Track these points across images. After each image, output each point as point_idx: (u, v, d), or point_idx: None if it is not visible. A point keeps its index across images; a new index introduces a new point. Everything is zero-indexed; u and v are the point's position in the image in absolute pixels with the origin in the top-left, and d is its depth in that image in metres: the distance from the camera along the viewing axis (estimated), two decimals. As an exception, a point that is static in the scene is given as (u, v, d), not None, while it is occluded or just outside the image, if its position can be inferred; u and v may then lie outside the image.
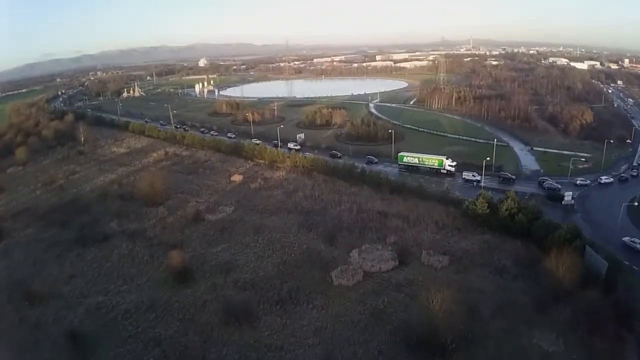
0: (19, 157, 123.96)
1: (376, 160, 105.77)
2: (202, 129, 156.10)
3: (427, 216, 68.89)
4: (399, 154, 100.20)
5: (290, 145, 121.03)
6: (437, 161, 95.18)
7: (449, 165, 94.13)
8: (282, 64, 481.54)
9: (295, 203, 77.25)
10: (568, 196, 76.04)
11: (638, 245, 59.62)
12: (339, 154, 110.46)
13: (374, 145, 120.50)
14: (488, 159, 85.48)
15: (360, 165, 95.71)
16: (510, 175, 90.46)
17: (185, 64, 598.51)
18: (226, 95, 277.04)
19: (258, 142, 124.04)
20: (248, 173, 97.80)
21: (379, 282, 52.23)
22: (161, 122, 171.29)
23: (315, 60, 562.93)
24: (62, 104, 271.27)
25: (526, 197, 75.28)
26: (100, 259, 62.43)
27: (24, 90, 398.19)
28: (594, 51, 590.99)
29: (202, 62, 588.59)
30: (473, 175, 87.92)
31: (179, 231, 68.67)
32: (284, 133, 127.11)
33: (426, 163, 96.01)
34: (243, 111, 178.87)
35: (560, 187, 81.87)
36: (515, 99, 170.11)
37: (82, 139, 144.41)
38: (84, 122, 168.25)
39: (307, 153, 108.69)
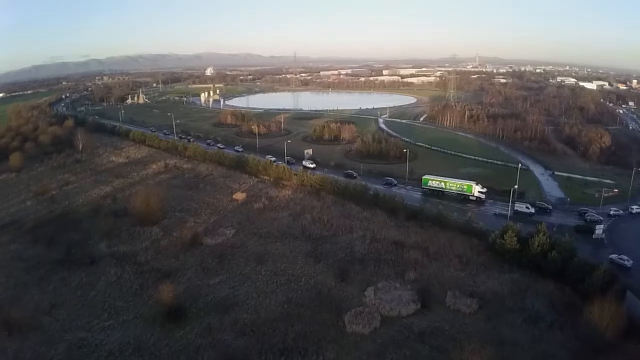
0: (14, 163, 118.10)
1: (395, 182, 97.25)
2: (207, 141, 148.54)
3: (448, 249, 62.20)
4: (423, 177, 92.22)
5: (306, 163, 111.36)
6: (465, 186, 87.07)
7: (479, 192, 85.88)
8: (289, 76, 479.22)
9: (302, 227, 70.60)
10: (599, 229, 69.59)
11: (626, 262, 59.34)
12: (355, 174, 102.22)
13: (386, 164, 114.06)
14: (516, 187, 77.69)
15: (374, 186, 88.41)
16: (546, 204, 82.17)
17: (192, 72, 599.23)
18: (232, 106, 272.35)
19: (273, 158, 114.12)
20: (252, 191, 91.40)
21: (399, 330, 45.48)
22: (165, 131, 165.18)
23: (322, 73, 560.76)
24: (64, 108, 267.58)
25: (554, 229, 68.86)
26: (85, 286, 56.76)
27: (29, 92, 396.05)
28: (600, 71, 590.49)
29: (209, 71, 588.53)
30: (527, 207, 77.82)
31: (174, 257, 62.24)
32: (290, 147, 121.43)
33: (453, 188, 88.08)
34: (248, 123, 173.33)
35: (602, 219, 74.79)
36: (530, 119, 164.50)
37: (80, 146, 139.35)
38: (82, 129, 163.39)
39: (319, 172, 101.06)
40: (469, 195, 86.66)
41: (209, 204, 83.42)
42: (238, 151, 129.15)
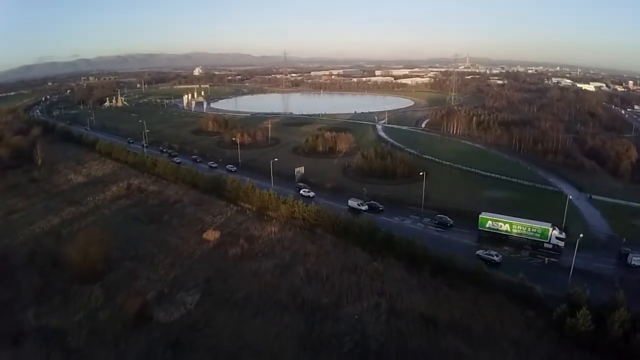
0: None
1: (451, 222, 73.93)
2: (193, 157, 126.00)
3: (498, 328, 44.24)
4: (480, 216, 70.57)
5: (353, 203, 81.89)
6: (540, 230, 66.19)
7: (557, 237, 65.02)
8: (278, 76, 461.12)
9: (292, 289, 52.02)
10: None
11: (495, 258, 60.05)
12: (380, 207, 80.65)
13: (393, 184, 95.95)
14: (582, 235, 57.56)
15: (417, 228, 70.94)
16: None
17: (180, 72, 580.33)
18: (216, 109, 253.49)
19: (308, 190, 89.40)
20: (228, 226, 72.50)
21: None
22: (144, 143, 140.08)
23: (312, 74, 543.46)
24: (39, 113, 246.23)
25: (615, 284, 52.60)
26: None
27: (12, 94, 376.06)
28: (592, 71, 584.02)
29: (197, 71, 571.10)
30: None
31: (113, 341, 43.76)
32: (279, 162, 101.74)
33: (523, 232, 67.78)
34: (231, 130, 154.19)
35: None
36: (545, 126, 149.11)
37: (39, 161, 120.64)
38: (46, 140, 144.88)
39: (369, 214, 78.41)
40: (543, 242, 65.99)
41: (170, 248, 64.32)
42: (231, 171, 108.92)
